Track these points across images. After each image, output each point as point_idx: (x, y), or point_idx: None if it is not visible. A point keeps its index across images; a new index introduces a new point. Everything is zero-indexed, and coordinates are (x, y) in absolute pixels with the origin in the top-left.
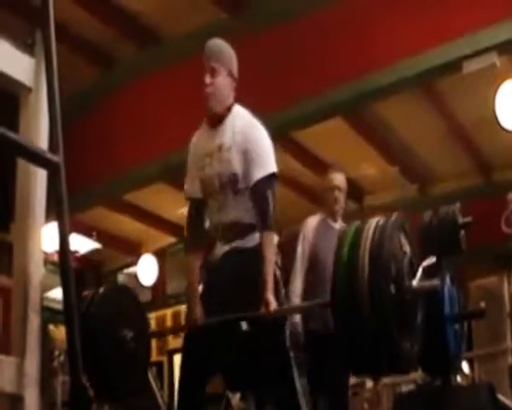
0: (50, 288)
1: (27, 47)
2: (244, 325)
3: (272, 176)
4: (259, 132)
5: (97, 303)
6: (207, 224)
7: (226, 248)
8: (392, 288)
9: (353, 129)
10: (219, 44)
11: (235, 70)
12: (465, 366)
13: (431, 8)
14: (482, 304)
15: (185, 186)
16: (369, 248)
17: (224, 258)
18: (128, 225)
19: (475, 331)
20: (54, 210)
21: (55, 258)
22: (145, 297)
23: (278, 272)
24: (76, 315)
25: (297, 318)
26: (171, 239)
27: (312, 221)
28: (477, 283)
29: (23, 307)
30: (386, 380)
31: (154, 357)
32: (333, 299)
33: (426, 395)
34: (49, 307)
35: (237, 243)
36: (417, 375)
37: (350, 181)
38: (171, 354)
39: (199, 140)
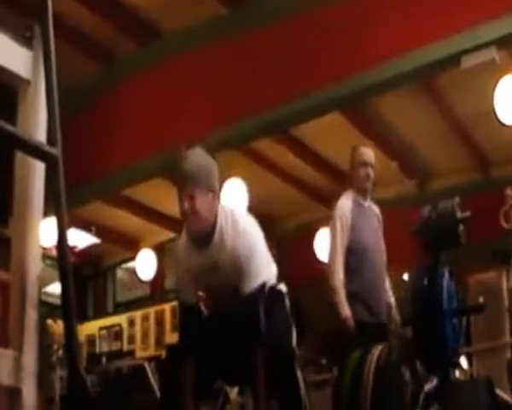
0: (49, 282)
1: (26, 40)
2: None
3: (263, 285)
4: (247, 239)
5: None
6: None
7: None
8: None
9: (352, 124)
10: (195, 166)
11: (216, 183)
12: (463, 361)
13: (430, 2)
14: (481, 299)
15: (180, 293)
16: (372, 381)
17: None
18: (127, 220)
19: (474, 326)
20: (52, 205)
21: (54, 252)
22: (144, 292)
23: (294, 334)
24: (74, 309)
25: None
26: (170, 234)
27: (347, 204)
28: (476, 278)
29: (21, 301)
30: None
31: (153, 352)
32: None
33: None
34: (47, 301)
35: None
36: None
37: (348, 176)
38: (169, 348)
39: (188, 255)
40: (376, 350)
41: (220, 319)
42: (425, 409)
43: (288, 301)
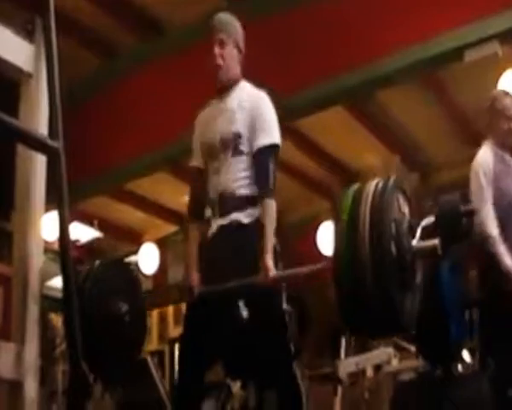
0: (51, 276)
1: (27, 34)
2: (244, 312)
3: (276, 147)
4: (267, 104)
5: (92, 278)
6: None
7: (222, 221)
8: (393, 249)
9: (355, 118)
10: (227, 17)
11: (241, 43)
12: (467, 355)
13: None
14: None
15: (192, 154)
16: (370, 212)
17: (220, 232)
18: (129, 214)
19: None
20: (54, 198)
21: (56, 246)
22: (146, 286)
23: (278, 247)
24: (75, 303)
25: None
26: (173, 228)
27: (488, 156)
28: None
29: (23, 294)
30: (386, 369)
31: (155, 346)
32: (335, 263)
33: (427, 383)
34: (49, 295)
35: (234, 217)
36: (418, 364)
37: (351, 170)
38: (172, 342)
39: (204, 112)
40: (373, 183)
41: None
42: (422, 240)
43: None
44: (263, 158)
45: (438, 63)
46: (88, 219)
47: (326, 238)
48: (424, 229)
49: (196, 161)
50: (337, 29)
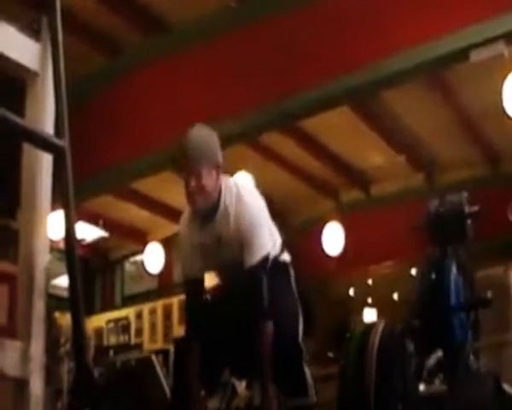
0: (57, 275)
1: (33, 32)
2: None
3: (265, 258)
4: (252, 211)
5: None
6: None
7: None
8: (400, 396)
9: (360, 118)
10: (199, 142)
11: (219, 158)
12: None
13: None
14: (488, 294)
15: (182, 268)
16: (376, 356)
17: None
18: (135, 213)
19: (481, 321)
20: (60, 198)
21: (62, 245)
22: (152, 285)
23: (287, 256)
24: (81, 302)
25: None
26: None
27: None
28: (483, 272)
29: (28, 293)
30: None
31: (160, 345)
32: (340, 405)
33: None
34: (55, 294)
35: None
36: None
37: (356, 170)
38: (177, 341)
39: (191, 230)
40: (380, 323)
41: (224, 299)
42: (429, 381)
43: (292, 271)
44: (254, 278)
45: (443, 64)
46: (93, 219)
47: (331, 238)
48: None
49: (196, 275)
50: (342, 29)
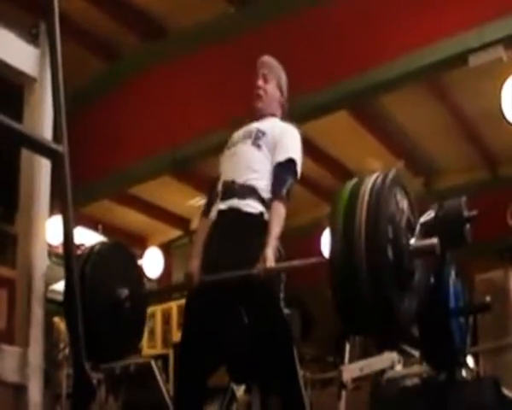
0: (56, 280)
1: (32, 38)
2: (245, 317)
3: (297, 165)
4: (295, 135)
5: (93, 262)
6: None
7: (222, 206)
8: (390, 250)
9: (358, 123)
10: (274, 62)
11: (284, 89)
12: (470, 360)
13: (438, 1)
14: (487, 298)
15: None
16: (366, 210)
17: (219, 219)
18: (134, 219)
19: (480, 325)
20: (58, 203)
21: (61, 250)
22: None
23: (282, 250)
24: (79, 307)
25: None
26: (177, 232)
27: None
28: (482, 276)
29: (27, 298)
30: (390, 374)
31: (159, 350)
32: (330, 262)
33: (430, 389)
34: (54, 299)
35: (233, 203)
36: (422, 369)
37: (355, 174)
38: (176, 346)
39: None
40: (372, 177)
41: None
42: (422, 238)
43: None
44: (280, 171)
45: (442, 68)
46: (92, 224)
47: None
48: (424, 226)
49: (219, 168)
50: (341, 35)
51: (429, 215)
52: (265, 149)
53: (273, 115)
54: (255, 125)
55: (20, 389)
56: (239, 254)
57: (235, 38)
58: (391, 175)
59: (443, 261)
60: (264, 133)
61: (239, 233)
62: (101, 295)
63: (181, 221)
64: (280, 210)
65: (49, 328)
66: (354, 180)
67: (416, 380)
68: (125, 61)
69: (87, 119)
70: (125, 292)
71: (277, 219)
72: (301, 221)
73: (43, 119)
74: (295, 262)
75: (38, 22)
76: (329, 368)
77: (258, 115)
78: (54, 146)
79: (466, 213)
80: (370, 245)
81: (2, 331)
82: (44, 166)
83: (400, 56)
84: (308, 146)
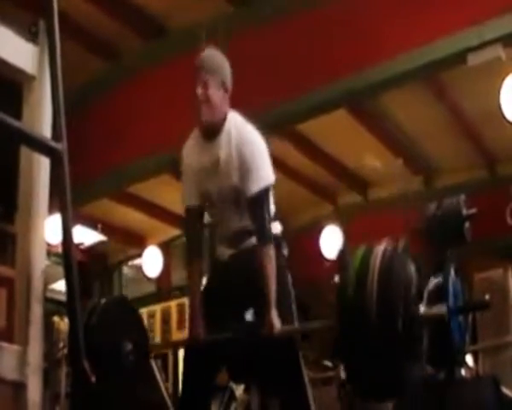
0: (55, 280)
1: (31, 36)
2: (249, 317)
3: (267, 189)
4: (255, 143)
5: (99, 314)
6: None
7: (233, 250)
8: (400, 320)
9: (357, 121)
10: (212, 56)
11: (228, 82)
12: (469, 359)
13: (437, 0)
14: (486, 296)
15: (182, 196)
16: (378, 277)
17: (231, 258)
18: (133, 217)
19: (480, 324)
20: (57, 201)
21: (60, 249)
22: (150, 289)
23: (289, 279)
24: (78, 306)
25: None
26: (176, 231)
27: None
28: (481, 275)
29: (26, 297)
30: None
31: (159, 349)
32: (341, 324)
33: (430, 387)
34: (53, 298)
35: (244, 245)
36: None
37: (354, 174)
38: (175, 346)
39: (193, 152)
40: (381, 246)
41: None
42: (429, 305)
43: (285, 247)
44: (255, 207)
45: (441, 67)
46: (92, 223)
47: (329, 241)
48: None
49: (194, 201)
50: (340, 33)
51: (436, 283)
52: (243, 197)
53: (221, 121)
54: (220, 175)
55: (19, 388)
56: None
57: (234, 37)
58: (401, 245)
59: (442, 260)
60: (238, 189)
61: (253, 270)
62: (108, 347)
63: (180, 220)
64: (271, 258)
65: (48, 327)
66: (363, 249)
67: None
68: (125, 59)
69: (86, 117)
70: (129, 346)
71: (271, 270)
72: (300, 220)
73: (42, 117)
74: (303, 325)
75: (38, 20)
76: (329, 367)
77: (206, 126)
78: (53, 144)
79: (465, 212)
80: (382, 315)
81: (2, 330)
82: (43, 164)
83: (399, 55)
84: (307, 145)
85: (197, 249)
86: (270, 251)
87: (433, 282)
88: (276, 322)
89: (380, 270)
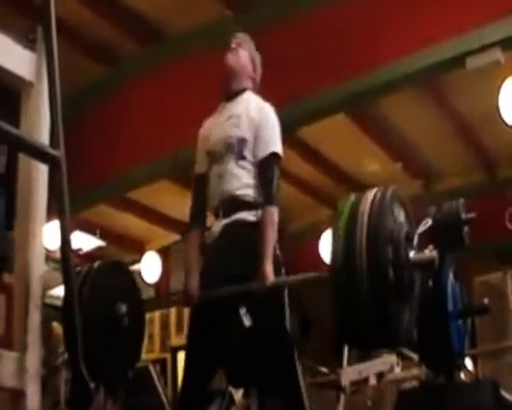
0: (54, 285)
1: (29, 42)
2: (246, 321)
3: (279, 156)
4: (271, 116)
5: (92, 279)
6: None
7: (226, 221)
8: (390, 266)
9: (356, 125)
10: (246, 36)
11: (257, 61)
12: (469, 363)
13: (435, 4)
14: (486, 300)
15: (195, 168)
16: (367, 224)
17: (224, 231)
18: (132, 223)
19: (479, 328)
20: (56, 208)
21: (58, 255)
22: (149, 295)
23: (279, 252)
24: (77, 312)
25: None
26: (175, 237)
27: None
28: (481, 279)
29: (24, 303)
30: (389, 377)
31: (158, 354)
32: (331, 273)
33: (429, 391)
34: (52, 304)
35: (238, 216)
36: (421, 372)
37: (353, 178)
38: (174, 350)
39: (210, 119)
40: (371, 192)
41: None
42: (420, 249)
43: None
44: (265, 168)
45: (439, 70)
46: (90, 228)
47: (328, 246)
48: (423, 234)
49: (201, 168)
50: (339, 38)
51: (426, 225)
52: (250, 152)
53: (244, 89)
54: (230, 125)
55: (17, 395)
56: (247, 263)
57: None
58: (390, 190)
59: (441, 264)
60: (245, 141)
61: (245, 240)
62: (100, 313)
63: (179, 226)
64: (272, 215)
65: (47, 333)
66: (353, 197)
67: (414, 383)
68: (123, 65)
69: (85, 123)
70: (123, 309)
71: (270, 225)
72: (299, 225)
73: (40, 124)
74: (295, 277)
75: (35, 27)
76: (328, 371)
77: (229, 92)
78: (51, 151)
79: (464, 216)
80: (371, 261)
81: (0, 336)
82: (41, 171)
83: (398, 59)
84: (306, 149)
85: (199, 216)
86: (275, 214)
87: (423, 225)
88: (270, 274)
89: (368, 220)
